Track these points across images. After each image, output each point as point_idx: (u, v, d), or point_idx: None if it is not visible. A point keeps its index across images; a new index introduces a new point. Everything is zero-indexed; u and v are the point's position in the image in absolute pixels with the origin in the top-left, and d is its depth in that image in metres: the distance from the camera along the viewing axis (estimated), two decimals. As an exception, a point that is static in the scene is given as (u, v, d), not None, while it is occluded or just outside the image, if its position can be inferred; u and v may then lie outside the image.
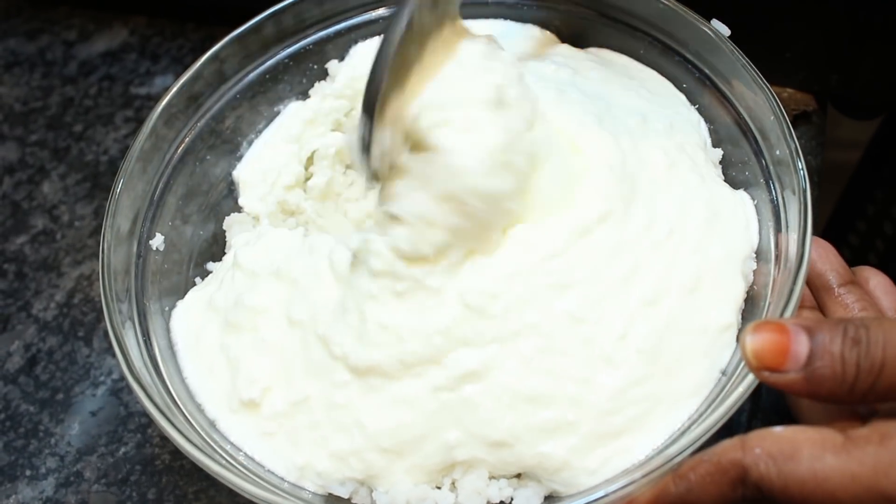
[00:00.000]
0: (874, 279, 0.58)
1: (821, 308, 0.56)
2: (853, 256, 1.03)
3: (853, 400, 0.44)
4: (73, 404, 0.71)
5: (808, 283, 0.56)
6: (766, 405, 0.64)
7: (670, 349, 0.53)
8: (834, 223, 1.08)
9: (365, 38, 0.71)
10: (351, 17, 0.70)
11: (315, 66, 0.71)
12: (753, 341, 0.45)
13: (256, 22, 0.67)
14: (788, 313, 0.50)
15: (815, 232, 0.55)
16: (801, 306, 0.55)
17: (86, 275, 0.78)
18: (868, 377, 0.43)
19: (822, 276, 0.56)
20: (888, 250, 0.99)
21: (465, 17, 0.68)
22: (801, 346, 0.44)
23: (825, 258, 0.56)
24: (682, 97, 0.65)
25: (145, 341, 0.57)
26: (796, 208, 0.54)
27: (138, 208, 0.62)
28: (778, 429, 0.44)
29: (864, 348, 0.43)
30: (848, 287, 0.55)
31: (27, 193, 0.85)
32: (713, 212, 0.57)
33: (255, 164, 0.69)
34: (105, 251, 0.57)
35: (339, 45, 0.71)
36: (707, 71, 0.64)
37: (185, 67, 0.66)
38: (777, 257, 0.55)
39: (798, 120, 0.78)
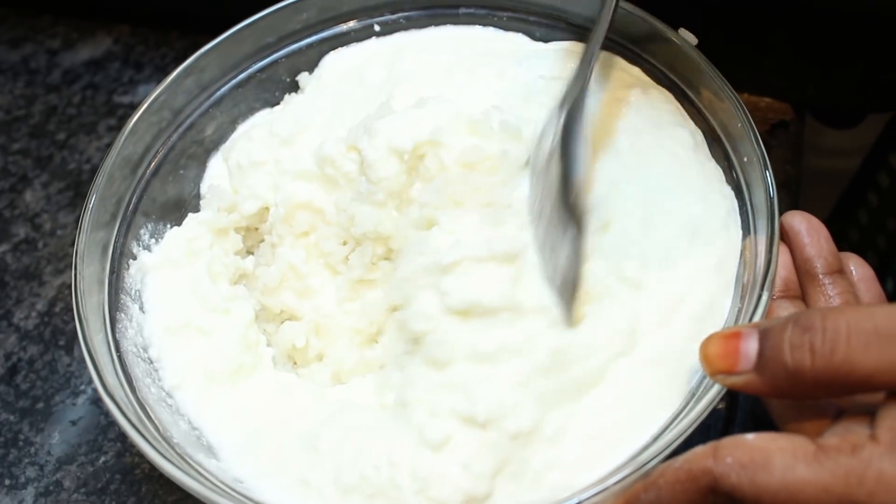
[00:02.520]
0: (859, 270, 0.57)
1: (804, 294, 0.56)
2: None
3: (818, 392, 0.44)
4: (54, 413, 0.71)
5: (796, 267, 0.56)
6: (743, 412, 0.65)
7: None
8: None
9: (335, 48, 0.72)
10: (322, 30, 0.71)
11: (287, 79, 0.72)
12: (706, 347, 0.47)
13: (231, 34, 0.68)
14: (756, 318, 0.50)
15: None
16: (786, 295, 0.56)
17: (67, 284, 0.78)
18: (828, 363, 0.42)
19: (809, 261, 0.56)
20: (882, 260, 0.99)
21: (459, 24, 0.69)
22: (750, 345, 0.45)
23: (815, 243, 0.56)
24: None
25: (119, 356, 0.57)
26: (765, 214, 0.54)
27: (112, 223, 0.62)
28: (750, 436, 0.44)
29: (819, 334, 0.42)
30: (833, 277, 0.55)
31: (9, 202, 0.85)
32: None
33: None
34: (77, 266, 0.57)
35: (311, 58, 0.72)
36: (675, 79, 0.64)
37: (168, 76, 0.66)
38: (746, 263, 0.55)
39: (776, 129, 0.79)
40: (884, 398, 0.43)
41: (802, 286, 0.56)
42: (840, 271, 0.56)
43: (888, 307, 0.42)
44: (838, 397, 0.47)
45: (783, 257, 0.56)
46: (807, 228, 0.56)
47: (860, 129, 0.87)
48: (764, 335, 0.45)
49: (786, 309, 0.56)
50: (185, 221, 0.66)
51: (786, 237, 0.57)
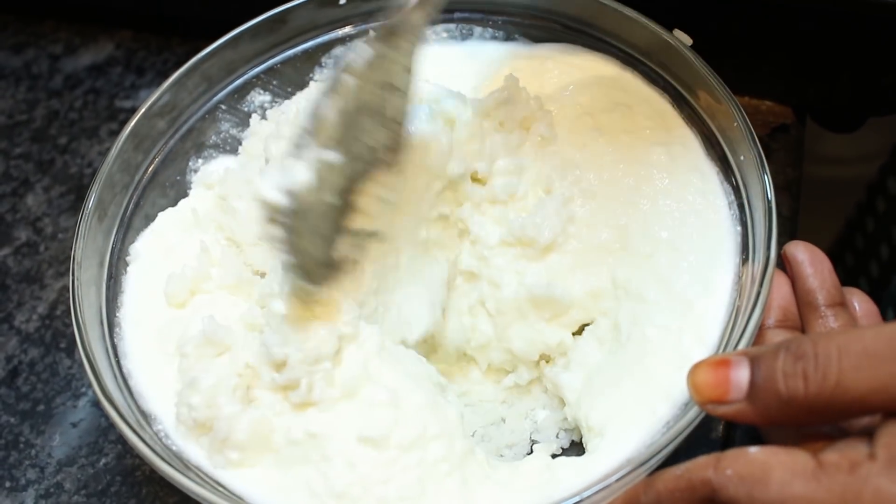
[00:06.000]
0: (862, 306, 0.56)
1: (804, 326, 0.55)
2: (856, 262, 1.02)
3: (812, 418, 0.43)
4: (54, 415, 0.71)
5: (797, 298, 0.55)
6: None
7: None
8: (841, 235, 1.07)
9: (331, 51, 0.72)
10: (319, 35, 0.71)
11: (290, 89, 0.72)
12: (694, 376, 0.46)
13: (230, 38, 0.68)
14: (746, 337, 0.50)
15: (819, 244, 0.55)
16: (784, 325, 0.55)
17: (68, 287, 0.78)
18: (820, 389, 0.42)
19: (811, 293, 0.54)
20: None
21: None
22: (741, 373, 0.44)
23: (818, 273, 0.55)
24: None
25: (117, 361, 0.57)
26: (762, 215, 0.54)
27: (110, 227, 0.63)
28: (752, 450, 0.44)
29: (812, 360, 0.42)
30: (835, 309, 0.54)
31: (11, 206, 0.85)
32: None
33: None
34: (75, 272, 0.58)
35: (308, 62, 0.72)
36: (671, 80, 0.64)
37: (171, 81, 0.67)
38: (745, 261, 0.55)
39: (776, 132, 0.79)
40: (881, 418, 0.43)
41: (803, 317, 0.55)
42: (842, 304, 0.54)
43: (876, 328, 0.42)
44: (832, 422, 0.46)
45: (784, 288, 0.55)
46: (810, 259, 0.55)
47: (859, 136, 0.86)
48: (755, 363, 0.44)
49: (782, 337, 0.54)
50: (178, 205, 0.66)
51: (788, 267, 0.56)
